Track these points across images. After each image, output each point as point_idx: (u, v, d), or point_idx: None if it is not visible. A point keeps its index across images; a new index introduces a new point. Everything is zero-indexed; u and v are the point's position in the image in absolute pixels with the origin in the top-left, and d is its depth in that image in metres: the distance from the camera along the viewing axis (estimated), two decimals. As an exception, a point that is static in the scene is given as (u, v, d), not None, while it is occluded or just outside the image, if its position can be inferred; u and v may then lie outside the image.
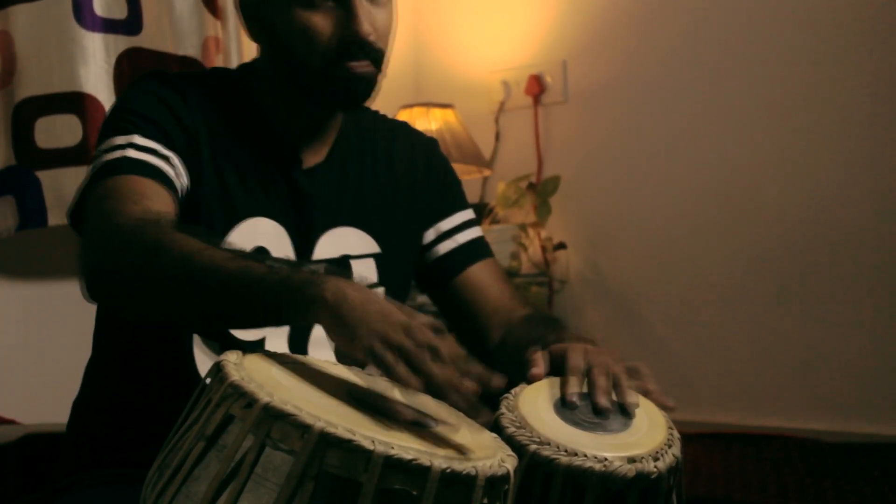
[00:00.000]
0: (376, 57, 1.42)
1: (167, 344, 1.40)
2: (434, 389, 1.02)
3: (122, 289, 1.25)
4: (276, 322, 1.17)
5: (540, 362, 1.30)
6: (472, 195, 3.43)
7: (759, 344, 2.92)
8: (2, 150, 2.41)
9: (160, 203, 1.32)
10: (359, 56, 1.40)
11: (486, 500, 0.98)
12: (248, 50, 2.62)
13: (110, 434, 1.43)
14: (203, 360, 1.39)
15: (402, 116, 3.24)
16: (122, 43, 2.49)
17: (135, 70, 2.46)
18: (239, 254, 1.17)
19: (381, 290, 1.51)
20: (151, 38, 2.53)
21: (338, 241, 1.49)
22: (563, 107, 3.33)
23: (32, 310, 2.53)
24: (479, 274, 1.60)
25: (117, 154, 1.35)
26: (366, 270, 1.51)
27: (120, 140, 1.37)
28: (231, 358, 1.04)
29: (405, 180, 1.59)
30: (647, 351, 3.07)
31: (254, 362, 1.06)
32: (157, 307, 1.24)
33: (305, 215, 1.46)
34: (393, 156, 1.59)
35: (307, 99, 1.46)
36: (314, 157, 1.50)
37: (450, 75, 3.59)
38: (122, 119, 1.40)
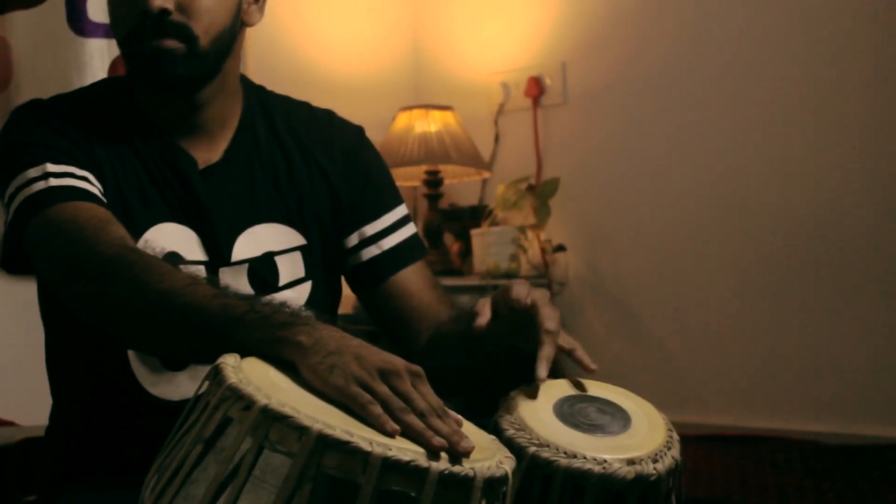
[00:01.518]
0: (178, 33, 1.36)
1: (105, 360, 1.40)
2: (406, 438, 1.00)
3: (109, 318, 1.25)
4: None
5: (486, 310, 1.28)
6: (471, 197, 3.46)
7: (758, 346, 2.92)
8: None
9: (120, 227, 1.31)
10: (156, 33, 1.35)
11: (484, 502, 0.98)
12: (246, 53, 2.63)
13: (79, 452, 1.44)
14: (143, 373, 1.39)
15: (402, 118, 3.24)
16: (116, 46, 2.49)
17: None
18: (222, 292, 1.17)
19: (308, 284, 1.49)
20: None
21: (258, 239, 1.46)
22: (563, 109, 3.33)
23: (31, 312, 2.53)
24: (406, 281, 1.54)
25: (40, 185, 1.33)
26: (292, 264, 1.48)
27: (34, 172, 1.34)
28: (229, 361, 1.04)
29: (322, 173, 1.53)
30: (647, 353, 3.07)
31: (252, 365, 1.06)
32: (142, 338, 1.25)
33: (208, 218, 1.43)
34: (308, 147, 1.53)
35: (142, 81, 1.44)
36: (209, 156, 1.46)
37: (449, 77, 3.59)
38: (22, 153, 1.37)
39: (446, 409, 1.04)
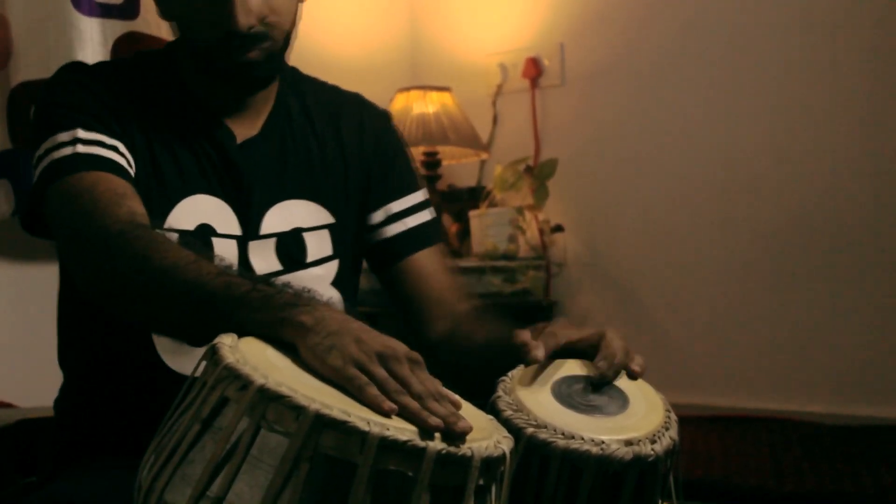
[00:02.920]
0: (264, 40, 1.39)
1: (127, 333, 1.39)
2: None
3: (110, 294, 1.26)
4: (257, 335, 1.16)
5: (539, 345, 1.28)
6: (469, 178, 3.45)
7: (757, 327, 2.93)
8: (-2, 133, 2.40)
9: (136, 202, 1.31)
10: (243, 48, 1.37)
11: (482, 481, 0.98)
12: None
13: (89, 425, 1.45)
14: (165, 348, 1.39)
15: (399, 99, 3.23)
16: (118, 28, 2.47)
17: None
18: (224, 269, 1.17)
19: (335, 262, 1.50)
20: (147, 22, 2.52)
21: (288, 215, 1.47)
22: (561, 90, 3.33)
23: (29, 293, 2.53)
24: (425, 261, 1.57)
25: (67, 151, 1.34)
26: (320, 242, 1.49)
27: (64, 136, 1.35)
28: (226, 340, 1.04)
29: (353, 154, 1.55)
30: (645, 333, 3.07)
31: (249, 345, 1.05)
32: (144, 314, 1.25)
33: (244, 190, 1.44)
34: (340, 129, 1.55)
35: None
36: (247, 131, 1.47)
37: (447, 58, 3.58)
38: (57, 114, 1.38)
39: (444, 391, 1.04)
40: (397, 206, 1.57)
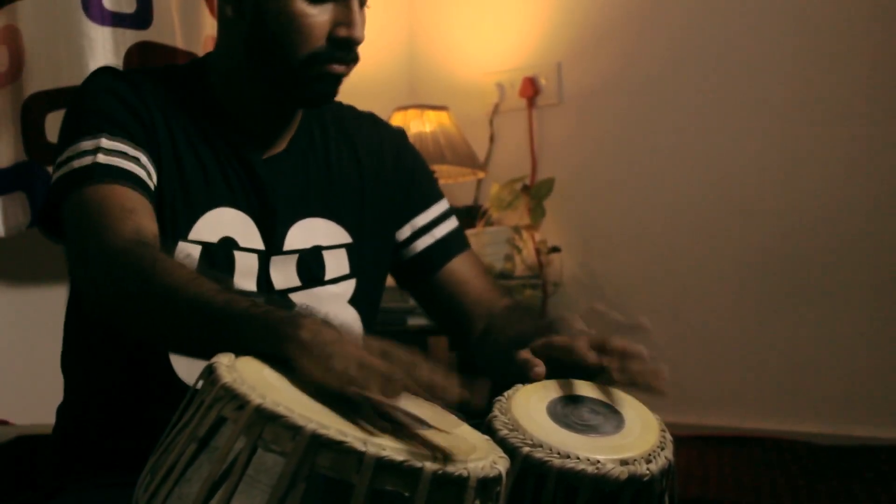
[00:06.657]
0: (355, 60, 1.44)
1: (141, 349, 1.40)
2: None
3: (112, 312, 1.27)
4: (255, 353, 1.16)
5: (540, 362, 1.29)
6: (466, 197, 3.46)
7: (752, 347, 2.93)
8: (12, 145, 2.38)
9: (145, 217, 1.32)
10: (345, 59, 1.42)
11: (478, 502, 0.98)
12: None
13: (94, 439, 1.44)
14: (179, 362, 1.39)
15: (397, 118, 3.24)
16: (131, 37, 2.46)
17: (144, 65, 2.44)
18: (224, 288, 1.18)
19: (353, 281, 1.51)
20: (160, 31, 2.51)
21: (309, 232, 1.48)
22: (558, 109, 3.33)
23: (26, 310, 2.53)
24: (460, 268, 1.59)
25: (88, 159, 1.35)
26: (338, 260, 1.50)
27: (87, 143, 1.36)
28: (223, 360, 1.04)
29: (372, 172, 1.57)
30: (641, 353, 3.07)
31: (246, 364, 1.05)
32: (145, 332, 1.26)
33: (269, 206, 1.45)
34: (358, 148, 1.58)
35: (271, 93, 1.46)
36: (274, 148, 1.50)
37: (444, 77, 3.59)
38: (84, 119, 1.39)
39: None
40: (422, 219, 1.60)
